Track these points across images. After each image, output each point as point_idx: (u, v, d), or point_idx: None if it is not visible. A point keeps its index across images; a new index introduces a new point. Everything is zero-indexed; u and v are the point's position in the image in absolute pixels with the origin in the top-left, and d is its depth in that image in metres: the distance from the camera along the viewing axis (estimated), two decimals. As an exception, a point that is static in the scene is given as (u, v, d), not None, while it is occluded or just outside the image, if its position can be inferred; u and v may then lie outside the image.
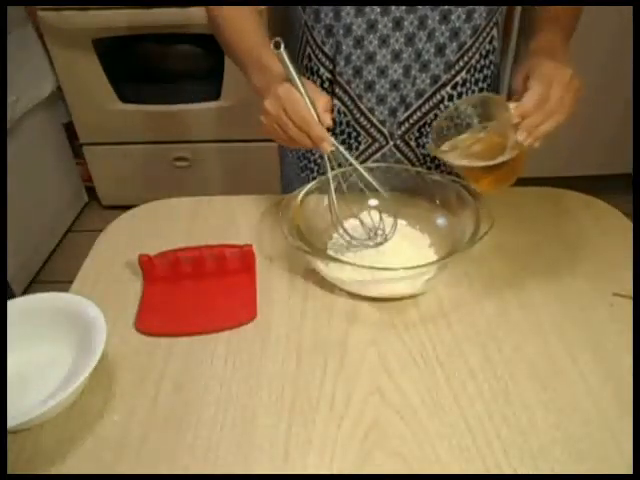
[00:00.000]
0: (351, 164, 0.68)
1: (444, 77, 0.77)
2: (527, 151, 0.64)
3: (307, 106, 0.63)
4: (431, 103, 0.79)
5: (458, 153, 0.64)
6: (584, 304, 0.66)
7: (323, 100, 0.65)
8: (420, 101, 0.79)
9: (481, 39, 0.76)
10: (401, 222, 0.73)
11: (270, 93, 0.64)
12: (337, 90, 0.79)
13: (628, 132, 1.80)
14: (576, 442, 0.51)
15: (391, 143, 0.82)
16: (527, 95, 0.61)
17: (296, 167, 0.92)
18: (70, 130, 1.97)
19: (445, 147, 0.67)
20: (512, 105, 0.61)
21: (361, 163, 0.83)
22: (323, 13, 0.73)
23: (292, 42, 0.81)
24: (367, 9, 0.71)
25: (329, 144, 0.64)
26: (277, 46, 0.59)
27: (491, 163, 0.64)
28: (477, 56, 0.77)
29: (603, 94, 1.87)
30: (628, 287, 0.68)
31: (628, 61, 1.55)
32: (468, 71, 0.78)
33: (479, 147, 0.63)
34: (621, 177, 1.82)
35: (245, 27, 0.74)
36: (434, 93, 0.78)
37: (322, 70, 0.79)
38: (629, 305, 0.66)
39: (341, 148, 0.66)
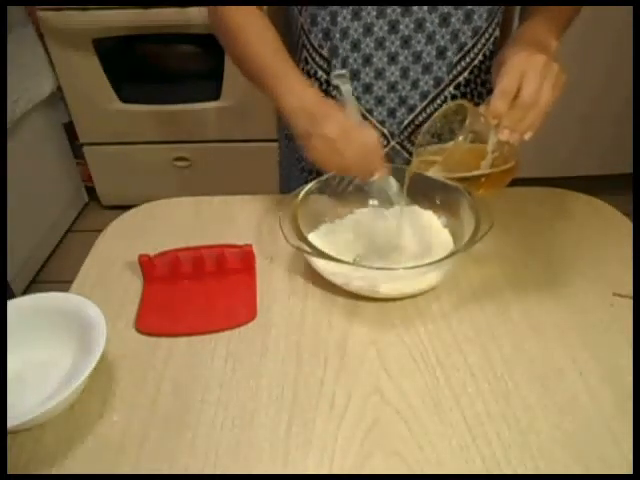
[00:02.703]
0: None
1: (447, 79, 0.77)
2: (519, 148, 0.62)
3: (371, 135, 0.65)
4: (435, 105, 0.79)
5: (437, 168, 0.62)
6: (584, 304, 0.66)
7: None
8: (424, 103, 0.79)
9: (483, 40, 0.75)
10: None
11: (329, 120, 0.64)
12: (335, 93, 0.79)
13: (628, 132, 1.80)
14: (576, 442, 0.51)
15: (392, 143, 0.82)
16: (495, 94, 0.58)
17: (295, 168, 0.92)
18: (70, 130, 1.96)
19: (417, 160, 0.66)
20: (483, 107, 0.59)
21: None
22: (320, 17, 0.73)
23: (289, 46, 0.81)
24: (363, 13, 0.71)
25: (384, 171, 0.67)
26: (342, 81, 0.68)
27: (468, 175, 0.62)
28: (480, 57, 0.77)
29: (604, 94, 1.87)
30: (628, 287, 0.68)
31: (628, 60, 1.54)
32: (471, 72, 0.78)
33: (459, 156, 0.60)
34: (621, 177, 1.82)
35: (268, 44, 0.72)
36: (438, 95, 0.78)
37: (320, 73, 0.79)
38: (629, 305, 0.66)
39: (392, 179, 0.70)
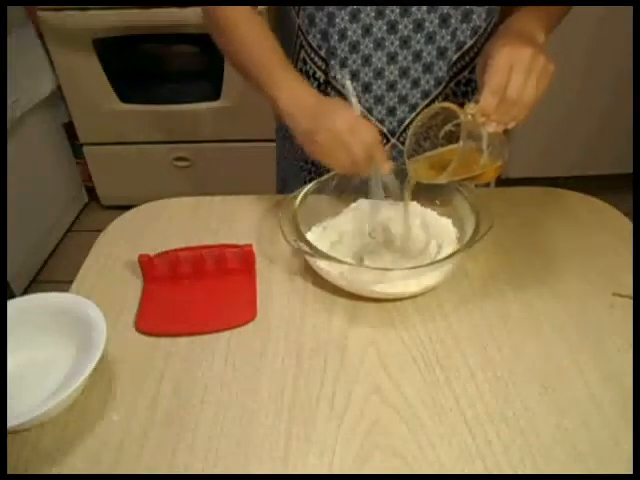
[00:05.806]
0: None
1: (447, 77, 0.77)
2: (505, 139, 0.63)
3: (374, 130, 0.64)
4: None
5: (447, 174, 0.62)
6: (584, 304, 0.66)
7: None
8: (426, 102, 0.79)
9: (482, 40, 0.75)
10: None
11: (335, 114, 0.64)
12: (333, 94, 0.79)
13: (629, 131, 1.80)
14: (576, 442, 0.51)
15: (393, 140, 0.82)
16: (483, 92, 0.59)
17: (294, 168, 0.92)
18: (70, 130, 1.97)
19: (412, 166, 0.66)
20: (472, 106, 0.59)
21: None
22: (317, 18, 0.73)
23: (285, 45, 0.81)
24: (362, 15, 0.71)
25: (390, 166, 0.66)
26: (345, 78, 0.68)
27: (472, 174, 0.63)
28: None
29: (604, 93, 1.87)
30: (628, 287, 0.68)
31: (615, 58, 1.54)
32: (471, 72, 0.78)
33: (452, 156, 0.60)
34: (621, 177, 1.82)
35: (263, 43, 0.72)
36: (439, 94, 0.78)
37: (318, 73, 0.79)
38: (629, 305, 0.66)
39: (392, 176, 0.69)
